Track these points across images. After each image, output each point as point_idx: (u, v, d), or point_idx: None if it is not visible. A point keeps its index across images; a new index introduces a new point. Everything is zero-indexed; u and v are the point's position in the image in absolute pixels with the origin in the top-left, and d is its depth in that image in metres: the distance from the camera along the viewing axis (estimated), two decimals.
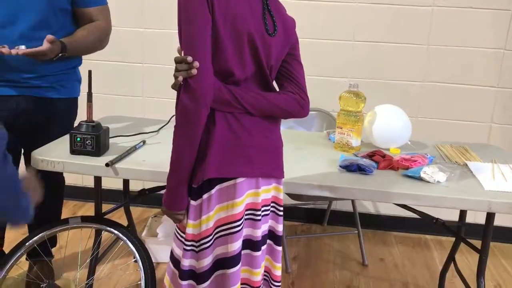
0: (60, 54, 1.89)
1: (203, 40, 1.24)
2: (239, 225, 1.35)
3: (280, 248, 1.49)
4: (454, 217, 2.23)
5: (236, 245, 1.36)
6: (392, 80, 2.89)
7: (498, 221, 1.99)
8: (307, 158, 1.94)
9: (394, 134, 2.08)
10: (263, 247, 1.45)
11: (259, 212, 1.40)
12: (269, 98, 1.37)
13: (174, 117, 1.30)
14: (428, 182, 1.71)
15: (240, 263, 1.39)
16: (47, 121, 2.04)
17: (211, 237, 1.35)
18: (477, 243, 1.93)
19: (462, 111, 2.88)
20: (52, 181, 2.15)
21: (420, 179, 1.73)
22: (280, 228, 1.48)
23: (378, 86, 2.89)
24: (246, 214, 1.39)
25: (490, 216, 1.84)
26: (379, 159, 1.87)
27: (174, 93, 1.32)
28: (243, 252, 1.41)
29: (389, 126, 2.08)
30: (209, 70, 1.26)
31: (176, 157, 1.30)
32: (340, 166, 1.80)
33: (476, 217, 2.83)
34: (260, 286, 1.45)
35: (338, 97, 2.09)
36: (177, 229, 1.43)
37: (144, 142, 2.00)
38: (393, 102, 2.20)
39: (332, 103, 2.79)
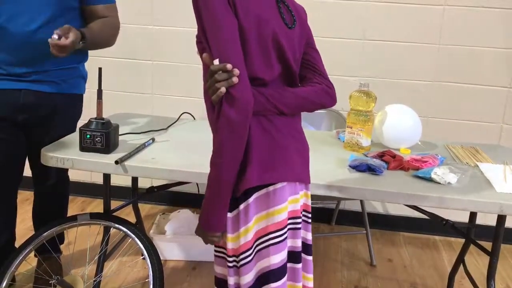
0: (81, 42, 1.85)
1: (236, 45, 1.17)
2: (281, 235, 1.26)
3: (310, 258, 1.38)
4: (464, 218, 2.21)
5: (279, 257, 1.26)
6: (402, 80, 2.87)
7: (508, 223, 1.97)
8: (316, 158, 1.93)
9: (405, 134, 2.07)
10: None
11: (299, 220, 1.31)
12: (299, 93, 1.30)
13: (215, 126, 1.18)
14: (439, 183, 1.70)
15: (286, 276, 1.29)
16: (49, 116, 2.03)
17: (251, 250, 1.25)
18: (487, 245, 1.91)
19: (473, 111, 2.86)
20: (53, 177, 2.17)
21: (430, 180, 1.71)
22: (309, 236, 1.38)
23: (388, 86, 2.87)
24: (288, 224, 1.29)
25: (501, 218, 1.83)
26: (389, 159, 1.85)
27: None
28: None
29: (399, 126, 2.06)
30: (246, 76, 1.17)
31: (219, 174, 1.18)
32: (350, 166, 1.79)
33: (487, 219, 2.81)
34: None
35: (348, 96, 2.08)
36: (216, 247, 1.33)
37: (153, 139, 2.00)
38: (404, 102, 2.19)
39: (342, 102, 2.75)
